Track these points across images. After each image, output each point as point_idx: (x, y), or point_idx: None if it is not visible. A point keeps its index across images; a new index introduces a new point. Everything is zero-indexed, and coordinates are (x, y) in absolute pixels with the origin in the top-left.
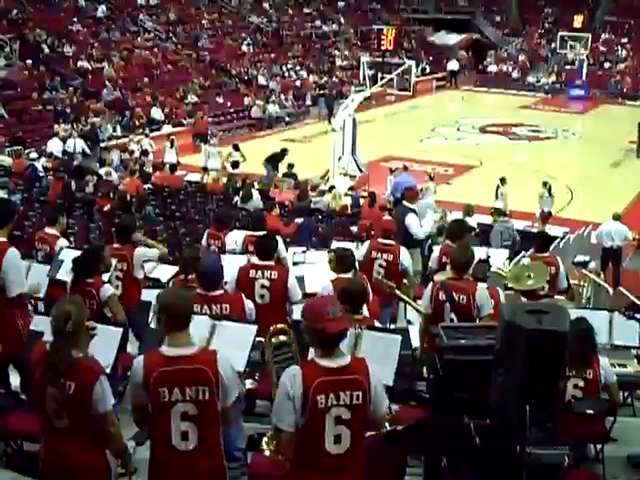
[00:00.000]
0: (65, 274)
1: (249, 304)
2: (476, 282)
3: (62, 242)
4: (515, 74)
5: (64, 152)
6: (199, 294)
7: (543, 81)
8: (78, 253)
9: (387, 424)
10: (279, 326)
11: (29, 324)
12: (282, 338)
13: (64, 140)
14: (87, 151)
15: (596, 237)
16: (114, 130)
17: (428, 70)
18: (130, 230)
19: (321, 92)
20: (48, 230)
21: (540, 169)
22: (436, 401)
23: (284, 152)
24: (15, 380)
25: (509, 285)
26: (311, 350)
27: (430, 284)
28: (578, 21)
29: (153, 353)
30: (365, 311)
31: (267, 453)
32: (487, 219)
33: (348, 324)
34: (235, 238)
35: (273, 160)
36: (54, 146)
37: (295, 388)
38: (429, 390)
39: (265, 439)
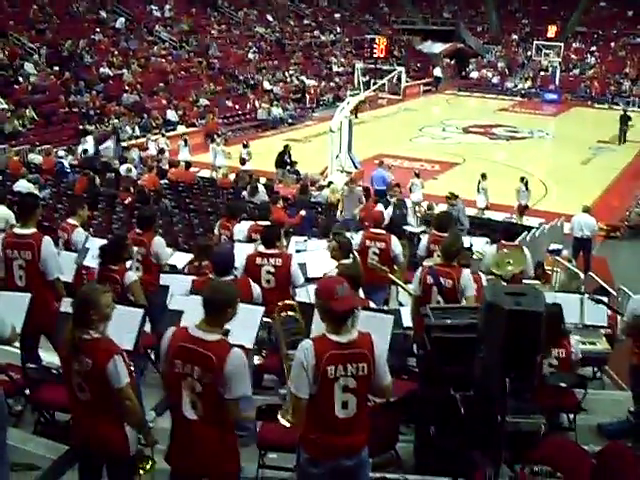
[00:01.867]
0: (91, 261)
1: (256, 288)
2: (461, 268)
3: (79, 231)
4: (495, 80)
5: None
6: (211, 279)
7: (520, 86)
8: (103, 242)
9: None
10: (287, 302)
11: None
12: (290, 313)
13: (99, 141)
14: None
15: (569, 228)
16: (133, 131)
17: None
18: (151, 219)
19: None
20: (69, 220)
21: (517, 166)
22: (425, 375)
23: (285, 147)
24: (46, 355)
25: (491, 270)
26: (313, 327)
27: (419, 269)
28: (552, 31)
29: (182, 329)
30: (361, 293)
31: (285, 423)
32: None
33: (355, 303)
34: (242, 229)
35: (280, 161)
36: (89, 144)
37: (309, 359)
38: (419, 365)
39: (280, 412)
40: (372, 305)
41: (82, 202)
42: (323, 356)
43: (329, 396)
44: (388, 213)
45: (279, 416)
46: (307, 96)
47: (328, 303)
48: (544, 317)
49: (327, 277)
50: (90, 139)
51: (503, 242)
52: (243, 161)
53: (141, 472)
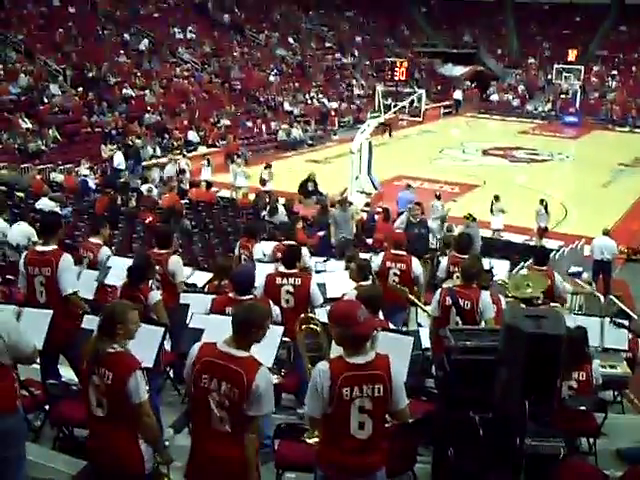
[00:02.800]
0: (113, 279)
1: (276, 309)
2: (480, 290)
3: (105, 250)
4: (515, 102)
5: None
6: (230, 298)
7: (540, 109)
8: (124, 261)
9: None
10: (310, 315)
11: (81, 320)
12: (312, 327)
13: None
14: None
15: (589, 251)
16: (154, 151)
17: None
18: (168, 237)
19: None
20: (92, 239)
21: (537, 188)
22: (444, 396)
23: (309, 176)
24: (65, 372)
25: (510, 294)
26: (333, 347)
27: (438, 290)
28: (572, 55)
29: (210, 344)
30: (380, 315)
31: (311, 441)
32: (489, 233)
33: (375, 324)
34: (262, 248)
35: (303, 188)
36: (118, 160)
37: (324, 381)
38: (438, 386)
39: (306, 434)
40: (391, 326)
41: (104, 221)
42: (338, 378)
43: (345, 417)
44: (402, 221)
45: (305, 437)
46: (328, 118)
47: (352, 328)
48: (565, 340)
49: (343, 302)
50: (120, 156)
51: (533, 266)
52: (264, 182)
53: None
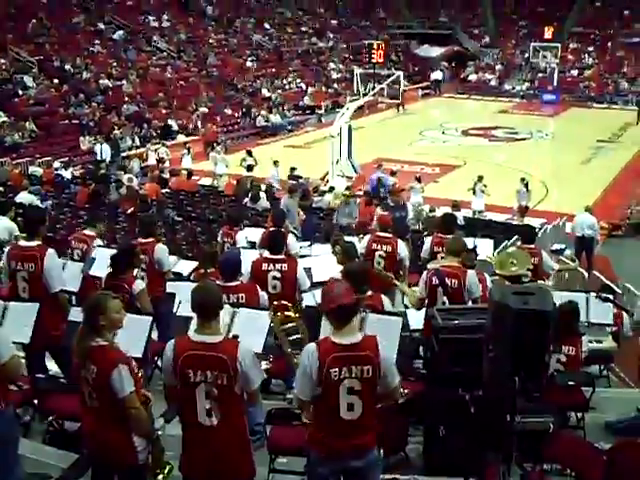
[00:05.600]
0: (98, 270)
1: (263, 294)
2: (466, 269)
3: (98, 242)
4: (493, 82)
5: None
6: (218, 285)
7: (518, 88)
8: (110, 251)
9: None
10: (283, 302)
11: (67, 316)
12: (287, 313)
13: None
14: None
15: (571, 228)
16: (133, 141)
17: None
18: (152, 226)
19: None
20: (87, 232)
21: (517, 167)
22: (433, 376)
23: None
24: (52, 365)
25: (495, 271)
26: (322, 331)
27: (425, 271)
28: (549, 32)
29: (183, 338)
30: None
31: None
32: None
33: (350, 299)
34: (245, 235)
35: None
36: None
37: (312, 362)
38: (426, 366)
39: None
40: (387, 301)
41: (100, 215)
42: (326, 358)
43: (334, 398)
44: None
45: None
46: (306, 103)
47: (326, 303)
48: (552, 316)
49: (333, 280)
50: (106, 148)
51: (521, 245)
52: (250, 167)
53: (160, 477)
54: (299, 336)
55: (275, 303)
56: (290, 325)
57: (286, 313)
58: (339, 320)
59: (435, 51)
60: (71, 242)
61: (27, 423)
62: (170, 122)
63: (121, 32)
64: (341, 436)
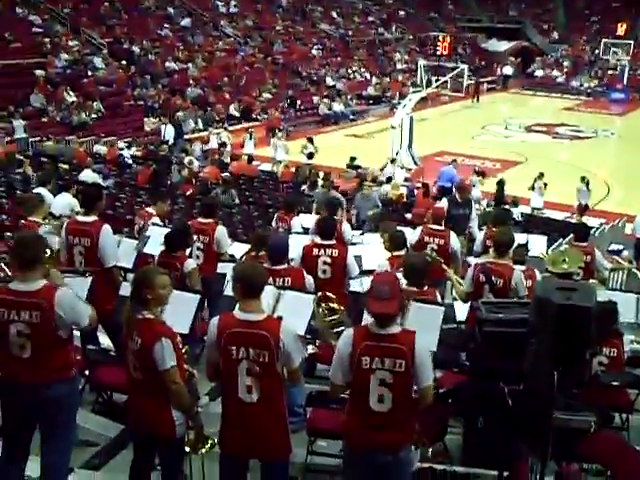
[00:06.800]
0: (151, 248)
1: (309, 278)
2: (513, 266)
3: (155, 220)
4: (560, 78)
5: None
6: (266, 268)
7: (586, 85)
8: (164, 230)
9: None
10: (327, 294)
11: (118, 290)
12: (332, 305)
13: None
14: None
15: (631, 229)
16: (196, 124)
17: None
18: (214, 207)
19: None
20: (149, 209)
21: (580, 165)
22: (475, 368)
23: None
24: (103, 339)
25: (547, 268)
26: (363, 318)
27: (471, 266)
28: (621, 29)
29: (227, 315)
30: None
31: None
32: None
33: (393, 309)
34: (300, 221)
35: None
36: (169, 133)
37: (346, 347)
38: (468, 358)
39: None
40: (439, 297)
41: (165, 196)
42: (359, 345)
43: (364, 387)
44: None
45: None
46: (369, 92)
47: (367, 300)
48: (594, 313)
49: (384, 272)
50: (170, 130)
51: (574, 243)
52: (311, 155)
53: (202, 451)
54: (343, 329)
55: (319, 294)
56: (334, 317)
57: (330, 305)
58: (378, 321)
59: (502, 45)
60: (134, 218)
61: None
62: (233, 107)
63: (188, 20)
64: (371, 428)
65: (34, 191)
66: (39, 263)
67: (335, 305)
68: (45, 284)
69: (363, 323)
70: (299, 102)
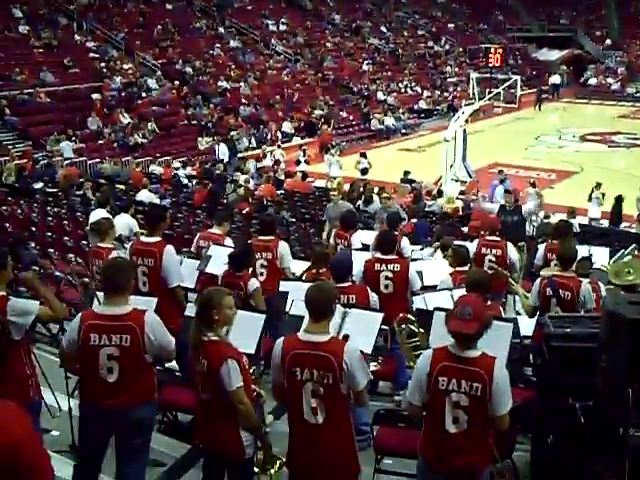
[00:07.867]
0: (213, 268)
1: (374, 295)
2: (580, 279)
3: (228, 241)
4: (614, 86)
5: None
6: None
7: None
8: (224, 250)
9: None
10: (408, 316)
11: (183, 311)
12: (412, 327)
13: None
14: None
15: None
16: (249, 142)
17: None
18: (273, 224)
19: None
20: (213, 230)
21: (638, 174)
22: (543, 384)
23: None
24: None
25: (610, 280)
26: (432, 333)
27: (538, 280)
28: None
29: (291, 337)
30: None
31: None
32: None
33: (474, 329)
34: (359, 238)
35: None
36: (223, 152)
37: (424, 367)
38: (536, 374)
39: None
40: (502, 311)
41: (228, 215)
42: (436, 366)
43: (440, 408)
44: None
45: None
46: (421, 106)
47: (448, 319)
48: None
49: (472, 294)
50: (224, 148)
51: (638, 254)
52: (365, 170)
53: (271, 472)
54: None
55: (401, 315)
56: (414, 340)
57: (410, 327)
58: (457, 341)
59: (554, 54)
60: (199, 241)
61: None
62: (286, 124)
63: (239, 39)
64: (447, 450)
65: (93, 213)
66: (128, 288)
67: (414, 328)
68: (133, 308)
69: (431, 337)
70: (351, 117)
